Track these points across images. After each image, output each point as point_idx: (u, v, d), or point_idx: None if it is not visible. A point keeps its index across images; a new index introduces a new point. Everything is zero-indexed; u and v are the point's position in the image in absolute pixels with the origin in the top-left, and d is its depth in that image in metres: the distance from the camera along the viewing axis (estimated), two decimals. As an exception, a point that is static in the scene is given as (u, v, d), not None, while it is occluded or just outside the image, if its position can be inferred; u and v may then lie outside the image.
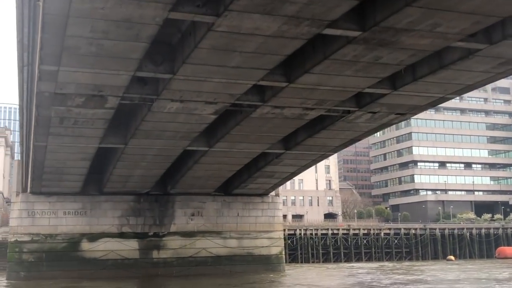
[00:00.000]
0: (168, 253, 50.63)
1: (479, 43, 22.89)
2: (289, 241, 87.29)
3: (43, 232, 47.93)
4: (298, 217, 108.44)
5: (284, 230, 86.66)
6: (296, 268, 66.04)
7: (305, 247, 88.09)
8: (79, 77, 25.77)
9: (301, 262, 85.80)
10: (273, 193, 55.79)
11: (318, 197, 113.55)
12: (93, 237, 48.80)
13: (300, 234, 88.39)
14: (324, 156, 43.72)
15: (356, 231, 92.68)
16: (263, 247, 53.59)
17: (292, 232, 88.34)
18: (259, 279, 47.65)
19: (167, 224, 50.98)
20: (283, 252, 55.41)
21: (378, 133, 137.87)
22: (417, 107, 32.31)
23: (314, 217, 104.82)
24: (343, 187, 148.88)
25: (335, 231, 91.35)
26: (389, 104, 31.52)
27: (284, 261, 55.46)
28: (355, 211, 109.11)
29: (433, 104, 31.89)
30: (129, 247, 49.44)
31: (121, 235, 49.46)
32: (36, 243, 47.66)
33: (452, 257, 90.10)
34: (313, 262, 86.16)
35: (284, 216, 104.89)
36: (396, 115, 33.70)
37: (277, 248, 54.44)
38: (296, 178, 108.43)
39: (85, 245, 48.64)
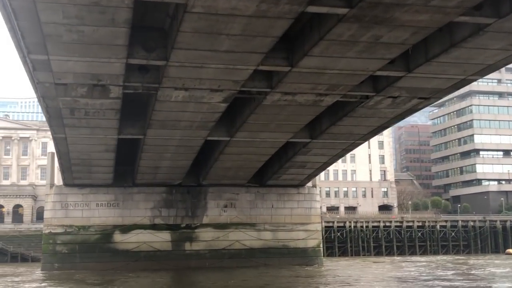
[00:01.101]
0: (201, 245, 50.04)
1: (487, 17, 20.76)
2: (338, 234, 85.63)
3: (76, 224, 48.32)
4: (350, 209, 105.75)
5: (333, 222, 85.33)
6: (339, 261, 64.25)
7: (355, 240, 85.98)
8: (73, 66, 25.27)
9: (351, 255, 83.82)
10: (310, 184, 54.19)
11: (372, 188, 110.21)
12: (126, 228, 48.80)
13: (350, 226, 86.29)
14: (354, 145, 41.77)
15: (410, 224, 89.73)
16: (299, 239, 52.18)
17: (341, 224, 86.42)
18: (291, 272, 46.19)
19: (200, 215, 50.38)
20: (321, 245, 53.78)
21: (439, 120, 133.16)
22: (440, 91, 30.08)
23: (367, 209, 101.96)
24: (404, 178, 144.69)
25: (387, 224, 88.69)
26: (408, 88, 29.54)
27: (322, 254, 53.84)
28: (409, 202, 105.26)
29: (456, 87, 29.57)
30: (161, 239, 49.16)
31: (154, 227, 49.26)
32: (69, 234, 48.11)
33: (511, 251, 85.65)
34: (363, 255, 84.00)
35: (336, 208, 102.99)
36: (420, 100, 31.59)
37: (314, 240, 52.88)
38: (349, 169, 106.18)
39: (118, 236, 48.70)
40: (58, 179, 49.68)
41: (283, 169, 47.41)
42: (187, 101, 30.40)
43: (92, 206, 48.64)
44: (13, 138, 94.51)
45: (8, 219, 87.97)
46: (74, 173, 45.72)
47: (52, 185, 48.92)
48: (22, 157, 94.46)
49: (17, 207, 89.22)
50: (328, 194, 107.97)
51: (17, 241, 75.58)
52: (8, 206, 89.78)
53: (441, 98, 31.91)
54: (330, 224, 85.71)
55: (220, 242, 50.21)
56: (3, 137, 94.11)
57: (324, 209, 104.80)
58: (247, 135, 37.62)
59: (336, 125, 36.39)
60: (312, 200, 53.45)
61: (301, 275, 44.99)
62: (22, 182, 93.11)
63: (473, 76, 27.62)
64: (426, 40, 24.78)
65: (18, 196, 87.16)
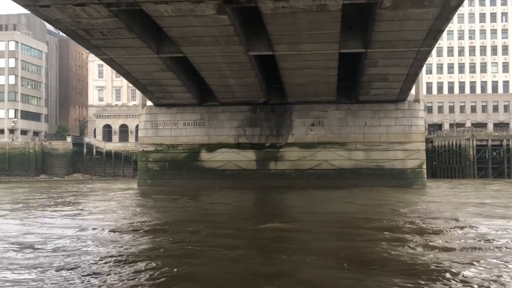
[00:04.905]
0: (286, 164, 48.52)
1: None
2: (494, 153, 77.30)
3: (165, 142, 49.82)
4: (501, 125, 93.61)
5: (487, 140, 77.18)
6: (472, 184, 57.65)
7: (515, 160, 76.73)
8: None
9: (509, 177, 75.26)
10: (411, 98, 49.02)
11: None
12: (212, 147, 49.11)
13: (508, 145, 77.11)
14: (422, 53, 35.99)
15: None
16: (396, 160, 47.87)
17: (497, 143, 77.61)
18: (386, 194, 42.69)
19: (285, 134, 48.61)
20: (424, 166, 48.64)
21: None
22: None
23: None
24: None
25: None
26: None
27: (425, 176, 48.77)
28: None
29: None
30: (246, 158, 48.66)
31: (238, 146, 48.82)
32: (159, 153, 49.88)
33: None
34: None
35: (506, 125, 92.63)
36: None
37: (414, 161, 48.07)
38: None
39: (204, 155, 49.30)
40: (143, 99, 51.18)
41: (365, 83, 43.38)
42: (181, 15, 28.91)
43: (179, 125, 49.64)
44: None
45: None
46: (155, 93, 46.80)
47: (144, 105, 50.68)
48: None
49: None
50: (496, 109, 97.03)
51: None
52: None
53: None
54: (484, 143, 77.53)
55: (307, 162, 48.15)
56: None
57: (491, 126, 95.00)
58: (286, 47, 34.96)
59: (377, 32, 31.96)
60: (413, 117, 48.27)
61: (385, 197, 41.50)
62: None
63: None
64: None
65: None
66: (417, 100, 48.83)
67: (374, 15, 29.35)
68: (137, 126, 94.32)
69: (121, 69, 40.82)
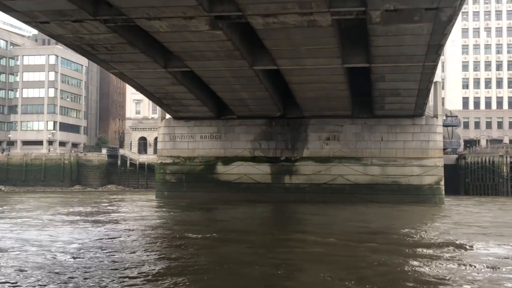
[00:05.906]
0: (301, 178, 48.39)
1: None
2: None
3: (182, 155, 50.52)
4: None
5: (521, 157, 74.70)
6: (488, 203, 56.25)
7: None
8: (25, 4, 26.24)
9: None
10: (430, 113, 48.26)
11: None
12: (227, 160, 49.48)
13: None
14: (428, 67, 35.54)
15: None
16: (412, 176, 47.11)
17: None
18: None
19: (300, 148, 48.56)
20: (442, 183, 47.68)
21: None
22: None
23: None
24: None
25: None
26: (396, -2, 24.39)
27: (443, 193, 47.74)
28: None
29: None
30: (261, 171, 48.80)
31: (254, 159, 49.03)
32: (177, 165, 50.60)
33: None
34: None
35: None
36: (431, 10, 25.84)
37: (431, 177, 47.19)
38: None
39: (220, 168, 49.70)
40: (162, 113, 52.03)
41: (378, 98, 43.08)
42: (177, 31, 29.49)
43: (196, 138, 50.26)
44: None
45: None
46: (171, 106, 47.62)
47: (163, 118, 51.56)
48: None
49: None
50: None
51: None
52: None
53: (456, 4, 25.39)
54: (521, 159, 75.13)
55: (322, 176, 47.91)
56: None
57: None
58: (288, 62, 35.20)
59: (376, 47, 31.90)
60: (431, 132, 47.47)
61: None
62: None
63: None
64: None
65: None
66: (435, 116, 48.08)
67: (369, 31, 29.30)
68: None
69: (133, 83, 41.82)
